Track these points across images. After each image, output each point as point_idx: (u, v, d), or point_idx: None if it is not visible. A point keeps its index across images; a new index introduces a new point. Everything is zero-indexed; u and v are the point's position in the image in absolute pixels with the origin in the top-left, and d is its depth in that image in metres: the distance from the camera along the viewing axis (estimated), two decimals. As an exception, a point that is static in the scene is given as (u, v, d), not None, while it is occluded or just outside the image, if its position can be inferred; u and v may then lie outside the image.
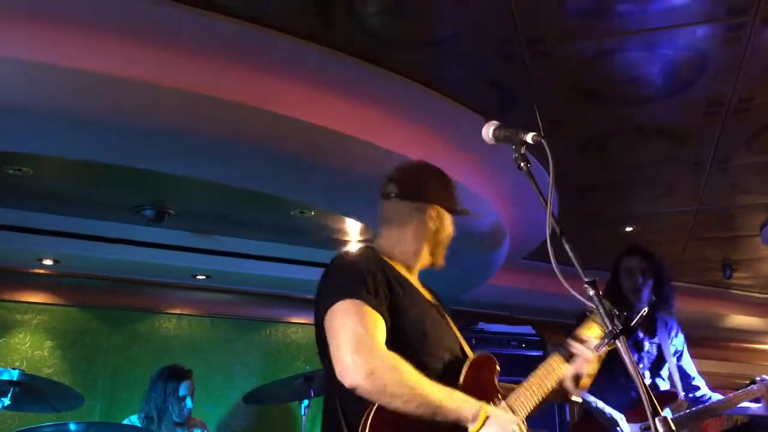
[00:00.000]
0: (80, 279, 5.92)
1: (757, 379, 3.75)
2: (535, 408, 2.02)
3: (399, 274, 2.08)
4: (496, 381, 2.03)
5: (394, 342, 1.85)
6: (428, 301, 2.15)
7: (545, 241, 1.60)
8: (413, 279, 2.17)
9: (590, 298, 1.56)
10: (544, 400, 2.10)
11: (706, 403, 3.76)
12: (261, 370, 6.30)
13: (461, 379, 1.95)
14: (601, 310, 1.54)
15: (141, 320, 6.20)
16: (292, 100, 3.52)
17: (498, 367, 2.03)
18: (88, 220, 5.31)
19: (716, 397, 3.85)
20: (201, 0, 3.09)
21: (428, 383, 1.78)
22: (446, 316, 2.19)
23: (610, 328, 1.52)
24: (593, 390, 3.65)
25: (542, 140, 1.71)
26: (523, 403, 1.99)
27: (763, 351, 10.27)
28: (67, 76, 3.01)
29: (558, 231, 1.65)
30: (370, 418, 1.71)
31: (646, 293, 3.64)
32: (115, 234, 5.41)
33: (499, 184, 4.79)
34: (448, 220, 2.22)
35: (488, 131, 1.86)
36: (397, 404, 1.72)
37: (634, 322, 1.69)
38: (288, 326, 6.89)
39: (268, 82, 3.45)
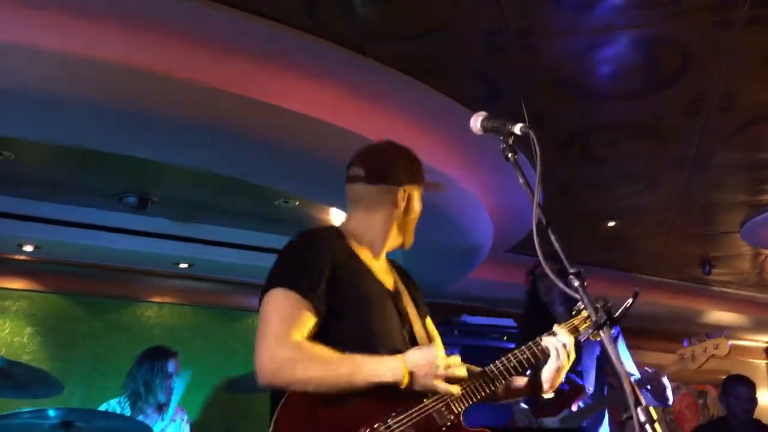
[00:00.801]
0: (61, 266, 5.88)
1: (643, 369, 3.83)
2: (481, 398, 1.98)
3: (357, 260, 2.03)
4: None
5: (329, 334, 1.84)
6: (385, 290, 2.07)
7: (529, 235, 1.61)
8: (376, 265, 2.10)
9: (575, 289, 1.57)
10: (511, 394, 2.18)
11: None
12: (243, 360, 6.28)
13: None
14: (586, 301, 1.55)
15: (122, 308, 6.17)
16: (277, 88, 3.50)
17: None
18: (69, 206, 5.28)
19: None
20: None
21: (344, 360, 1.77)
22: (404, 306, 2.11)
23: (594, 318, 1.53)
24: None
25: (530, 131, 1.72)
26: (469, 394, 1.96)
27: (741, 347, 10.41)
28: (46, 59, 2.99)
29: (544, 222, 1.66)
30: (284, 400, 1.73)
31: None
32: (97, 221, 5.37)
33: (485, 178, 4.81)
34: (416, 198, 2.16)
35: (476, 122, 1.87)
36: (311, 389, 1.73)
37: (618, 312, 1.71)
38: (270, 316, 6.87)
39: (254, 69, 3.44)
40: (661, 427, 1.37)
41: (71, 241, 5.38)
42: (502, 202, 5.19)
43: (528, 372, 2.15)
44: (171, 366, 4.34)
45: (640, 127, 4.43)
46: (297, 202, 5.11)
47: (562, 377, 2.12)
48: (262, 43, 3.42)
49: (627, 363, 3.92)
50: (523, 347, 2.09)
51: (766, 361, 10.74)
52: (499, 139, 1.81)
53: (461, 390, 1.90)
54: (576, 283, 1.56)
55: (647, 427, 1.35)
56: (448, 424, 1.85)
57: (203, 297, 6.63)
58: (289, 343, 1.76)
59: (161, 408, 4.32)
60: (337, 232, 2.09)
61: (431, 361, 1.82)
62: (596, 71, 3.78)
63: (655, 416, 1.37)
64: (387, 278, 2.13)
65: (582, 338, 1.85)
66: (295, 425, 1.73)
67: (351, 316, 1.90)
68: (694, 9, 3.25)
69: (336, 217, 5.46)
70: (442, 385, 1.83)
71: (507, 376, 2.03)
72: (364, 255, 2.08)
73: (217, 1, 3.17)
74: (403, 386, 1.78)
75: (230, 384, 4.53)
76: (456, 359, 1.89)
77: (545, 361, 2.11)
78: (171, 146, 3.78)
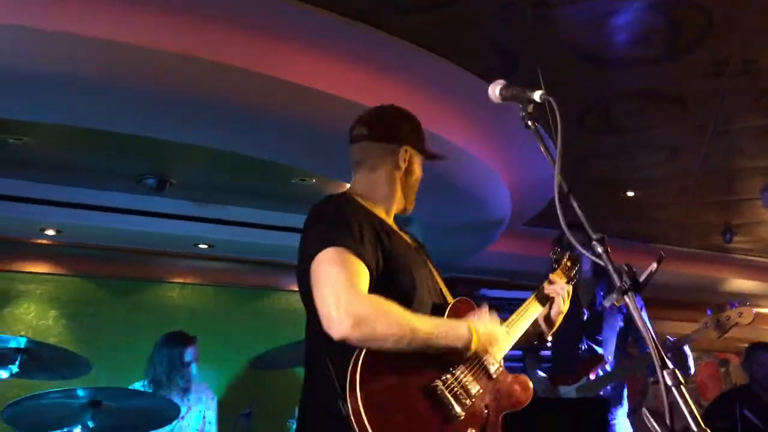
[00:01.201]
0: (83, 249, 5.94)
1: (665, 338, 3.83)
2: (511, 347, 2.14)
3: (380, 219, 2.04)
4: None
5: (383, 288, 1.83)
6: (411, 245, 2.12)
7: (547, 207, 1.61)
8: (392, 223, 2.14)
9: (599, 255, 1.56)
10: (519, 340, 2.24)
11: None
12: (264, 338, 6.32)
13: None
14: (610, 267, 1.54)
15: (144, 290, 6.23)
16: (293, 66, 3.50)
17: (475, 309, 2.03)
18: (89, 189, 5.33)
19: None
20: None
21: (415, 319, 1.79)
22: (428, 260, 2.18)
23: (618, 284, 1.52)
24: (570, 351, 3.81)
25: (549, 98, 1.71)
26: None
27: (763, 314, 10.35)
28: (64, 41, 2.99)
29: (566, 189, 1.65)
30: (360, 361, 1.69)
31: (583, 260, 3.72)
32: (117, 203, 5.42)
33: (502, 150, 4.79)
34: (418, 162, 2.17)
35: (495, 90, 1.86)
36: (388, 346, 1.72)
37: (643, 278, 1.70)
38: (291, 294, 6.91)
39: (270, 47, 3.43)
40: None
41: (92, 224, 5.43)
42: (519, 175, 5.17)
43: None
44: (189, 354, 4.36)
45: (660, 94, 4.38)
46: (314, 180, 5.12)
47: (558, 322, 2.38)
48: (280, 21, 3.41)
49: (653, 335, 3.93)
50: (531, 296, 2.35)
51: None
52: (518, 108, 1.79)
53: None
54: (599, 249, 1.56)
55: (674, 389, 1.35)
56: (495, 372, 1.98)
57: (224, 277, 6.68)
58: (365, 298, 1.75)
59: (186, 390, 4.37)
60: (350, 197, 2.07)
61: (494, 333, 1.98)
62: (614, 38, 3.73)
63: (681, 379, 1.37)
64: (405, 235, 2.16)
65: (608, 304, 1.86)
66: (376, 378, 1.70)
67: (398, 275, 1.93)
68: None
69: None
70: (500, 354, 2.00)
71: (527, 324, 2.26)
72: (383, 215, 2.09)
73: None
74: (470, 352, 1.88)
75: (254, 361, 4.56)
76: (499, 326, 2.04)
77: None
78: (189, 126, 3.78)
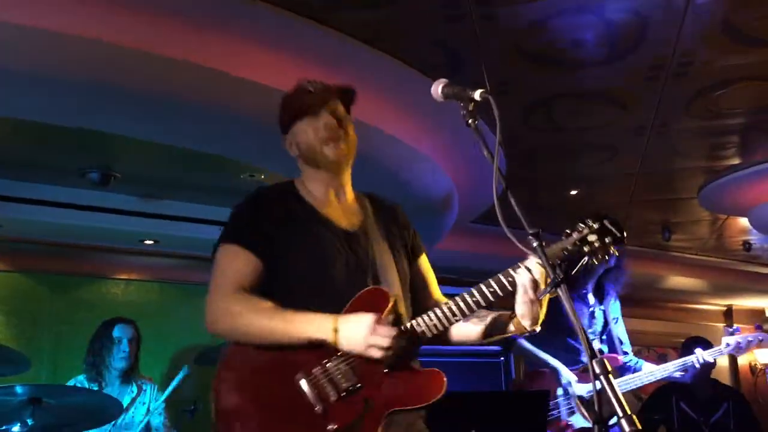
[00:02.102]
0: (23, 244, 5.81)
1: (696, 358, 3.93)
2: (439, 332, 1.92)
3: (305, 208, 2.06)
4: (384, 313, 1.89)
5: (277, 282, 1.94)
6: (339, 232, 2.03)
7: (494, 205, 1.64)
8: (334, 208, 2.10)
9: (534, 250, 1.61)
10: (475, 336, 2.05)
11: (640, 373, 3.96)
12: (210, 334, 6.28)
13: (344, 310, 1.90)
14: (544, 261, 1.59)
15: (87, 286, 6.13)
16: (239, 60, 3.49)
17: (390, 302, 1.90)
18: (31, 183, 5.19)
19: (641, 363, 4.05)
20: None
21: (272, 316, 1.84)
22: (366, 246, 2.05)
23: (552, 276, 1.57)
24: (547, 350, 3.85)
25: (489, 97, 1.75)
26: (422, 323, 1.91)
27: (699, 310, 10.70)
28: (5, 31, 2.92)
29: (504, 186, 1.70)
30: (228, 349, 1.89)
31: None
32: (59, 198, 5.29)
33: (449, 147, 4.85)
34: (300, 131, 2.13)
35: (437, 88, 1.89)
36: (248, 341, 1.86)
37: (575, 270, 1.77)
38: (237, 291, 6.88)
39: (215, 40, 3.41)
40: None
41: (33, 219, 5.30)
42: (465, 172, 5.24)
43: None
44: (117, 330, 4.34)
45: (600, 95, 4.50)
46: (262, 176, 5.09)
47: (542, 310, 1.95)
48: (227, 15, 3.40)
49: (624, 339, 4.05)
50: (489, 282, 1.95)
51: (724, 325, 11.03)
52: (460, 106, 1.83)
53: (392, 353, 1.83)
54: (535, 243, 1.61)
55: (602, 377, 1.41)
56: (389, 365, 1.85)
57: (170, 273, 6.60)
58: (228, 295, 1.89)
59: (126, 376, 4.33)
60: (287, 187, 2.14)
61: (360, 330, 1.80)
62: (555, 39, 3.82)
63: (609, 368, 1.43)
64: (348, 220, 2.10)
65: (542, 295, 1.88)
66: (235, 371, 1.86)
67: (295, 263, 1.96)
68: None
69: (302, 189, 5.45)
70: (369, 352, 1.81)
71: (461, 314, 1.92)
72: (318, 201, 2.10)
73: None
74: (332, 341, 1.81)
75: (198, 357, 4.54)
76: (387, 329, 1.82)
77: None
78: (134, 119, 3.73)
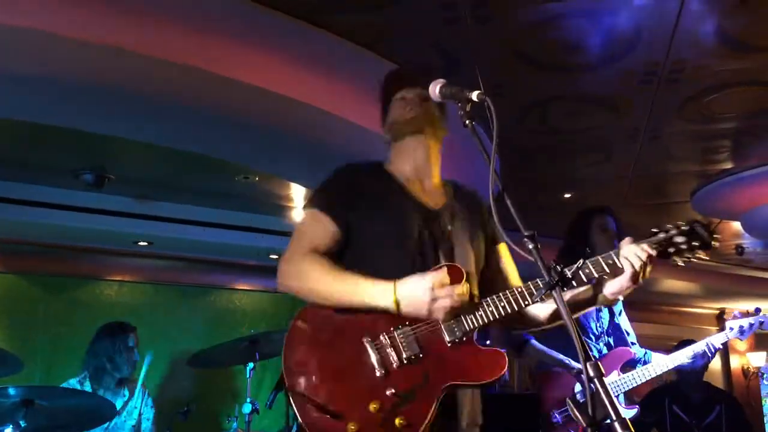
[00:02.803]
0: (17, 245, 5.78)
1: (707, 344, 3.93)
2: (492, 320, 1.92)
3: (392, 182, 2.13)
4: None
5: (351, 249, 2.03)
6: (420, 209, 2.08)
7: (490, 205, 1.65)
8: (419, 189, 2.14)
9: (529, 252, 1.62)
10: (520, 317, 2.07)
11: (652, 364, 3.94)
12: (205, 336, 6.28)
13: None
14: (539, 262, 1.60)
15: (81, 287, 6.11)
16: (234, 62, 3.48)
17: (464, 277, 1.91)
18: (25, 184, 5.18)
19: (650, 353, 4.04)
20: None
21: (338, 280, 1.91)
22: (445, 225, 2.08)
23: (547, 279, 1.58)
24: (560, 349, 3.83)
25: (486, 98, 1.76)
26: (478, 314, 1.91)
27: (692, 313, 10.73)
28: (2, 33, 2.92)
29: (501, 187, 1.71)
30: (303, 309, 1.95)
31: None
32: (53, 199, 5.28)
33: (445, 148, 4.84)
34: (390, 112, 2.20)
35: (435, 89, 1.92)
36: (318, 302, 1.93)
37: (571, 272, 1.78)
38: (232, 293, 6.87)
39: (210, 42, 3.41)
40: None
41: (28, 220, 5.28)
42: (461, 173, 5.24)
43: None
44: (131, 341, 4.35)
45: (594, 99, 4.52)
46: (257, 178, 5.10)
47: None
48: (224, 18, 3.40)
49: (629, 330, 4.04)
50: (585, 262, 1.94)
51: (716, 328, 11.08)
52: (457, 106, 1.85)
53: (458, 314, 1.88)
54: (530, 246, 1.62)
55: (596, 380, 1.42)
56: (456, 340, 1.88)
57: (164, 275, 6.59)
58: (301, 255, 1.98)
59: (122, 383, 4.32)
60: (376, 165, 2.21)
61: (419, 291, 1.85)
62: (552, 43, 3.84)
63: (602, 371, 1.43)
64: (432, 199, 2.14)
65: (536, 298, 1.89)
66: (307, 326, 1.94)
67: (372, 233, 2.03)
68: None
69: (296, 192, 5.46)
70: (434, 310, 1.85)
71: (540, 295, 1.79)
72: (406, 180, 2.15)
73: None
74: (395, 312, 1.85)
75: (191, 360, 4.53)
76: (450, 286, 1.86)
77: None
78: (129, 121, 3.74)
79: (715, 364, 10.70)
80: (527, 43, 3.84)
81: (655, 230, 2.05)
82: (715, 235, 1.98)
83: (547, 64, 4.08)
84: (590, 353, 1.47)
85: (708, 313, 10.96)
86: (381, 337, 1.88)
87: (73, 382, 4.27)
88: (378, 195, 2.09)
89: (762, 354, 11.04)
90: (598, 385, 1.42)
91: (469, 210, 2.19)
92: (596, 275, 1.94)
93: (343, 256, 2.03)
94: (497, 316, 1.92)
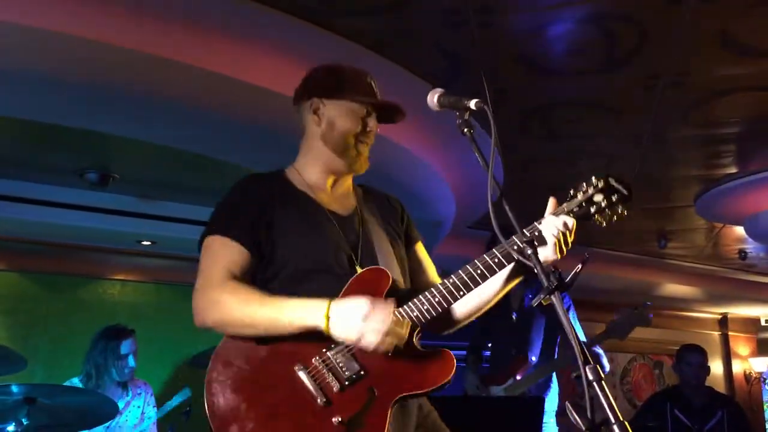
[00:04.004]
0: (20, 244, 5.81)
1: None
2: (442, 310, 1.83)
3: (296, 192, 1.98)
4: (382, 296, 1.80)
5: (268, 269, 1.87)
6: (328, 215, 1.96)
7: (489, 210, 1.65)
8: (325, 194, 2.02)
9: (528, 257, 1.63)
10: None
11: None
12: (206, 336, 6.23)
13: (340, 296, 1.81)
14: (538, 268, 1.60)
15: (84, 286, 6.13)
16: (239, 63, 3.50)
17: (389, 281, 1.83)
18: (30, 183, 5.19)
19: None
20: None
21: (261, 305, 1.74)
22: (359, 228, 1.99)
23: (546, 284, 1.58)
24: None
25: (485, 107, 1.76)
26: (415, 307, 1.81)
27: (695, 318, 10.72)
28: (5, 31, 2.93)
29: (498, 193, 1.72)
30: (220, 345, 1.79)
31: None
32: (57, 198, 5.30)
33: (447, 153, 4.86)
34: (342, 112, 2.00)
35: (433, 98, 1.90)
36: (240, 333, 1.77)
37: (569, 278, 1.78)
38: (234, 292, 6.88)
39: (216, 42, 3.43)
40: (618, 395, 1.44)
41: (31, 219, 5.31)
42: (463, 178, 5.26)
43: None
44: (125, 347, 4.28)
45: (597, 103, 4.53)
46: (260, 178, 5.10)
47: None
48: (227, 18, 3.41)
49: (578, 333, 4.09)
50: (495, 250, 1.89)
51: (719, 333, 11.07)
52: (455, 115, 1.85)
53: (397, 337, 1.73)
54: (529, 251, 1.63)
55: (595, 384, 1.42)
56: (391, 351, 1.73)
57: (167, 274, 6.61)
58: (216, 285, 1.79)
59: (124, 384, 4.31)
60: (276, 175, 2.07)
61: (354, 309, 1.71)
62: (554, 48, 3.85)
63: (602, 374, 1.44)
64: (342, 205, 2.03)
65: (535, 303, 1.89)
66: (228, 367, 1.75)
67: (285, 248, 1.87)
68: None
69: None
70: (364, 341, 1.69)
71: (466, 289, 1.85)
72: (311, 187, 2.01)
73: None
74: (324, 330, 1.71)
75: (194, 359, 4.54)
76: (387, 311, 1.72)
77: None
78: (132, 121, 3.75)
79: (717, 369, 10.69)
80: (530, 49, 3.85)
81: (571, 192, 1.97)
82: (629, 186, 1.88)
83: (550, 69, 4.08)
84: (588, 357, 1.47)
85: (710, 318, 10.95)
86: (313, 362, 1.74)
87: (75, 381, 4.28)
88: (285, 208, 1.93)
89: (764, 359, 11.03)
90: (597, 389, 1.43)
91: (382, 213, 2.10)
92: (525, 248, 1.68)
93: (259, 278, 1.87)
94: (433, 314, 1.81)
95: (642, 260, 8.36)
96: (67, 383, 4.28)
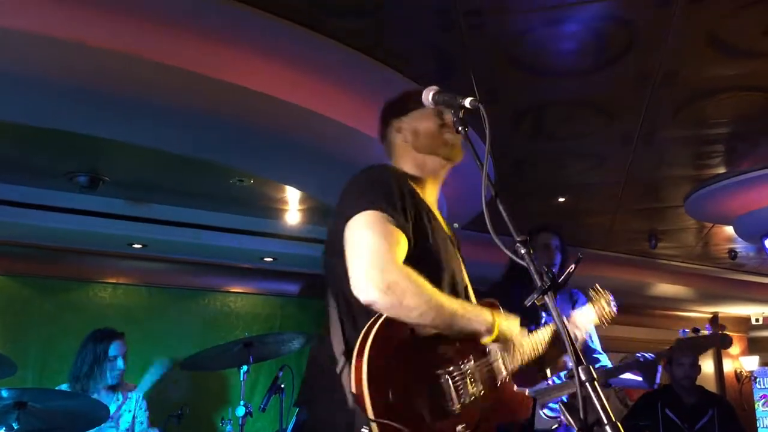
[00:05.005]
0: (10, 247, 5.77)
1: (637, 355, 3.95)
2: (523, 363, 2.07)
3: (422, 199, 2.03)
4: None
5: (412, 266, 1.79)
6: (447, 233, 2.09)
7: (482, 212, 1.65)
8: (433, 205, 2.12)
9: (522, 257, 1.63)
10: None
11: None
12: (198, 339, 6.28)
13: None
14: (531, 267, 1.61)
15: (74, 289, 6.10)
16: (228, 65, 3.49)
17: (500, 311, 2.01)
18: (18, 186, 5.17)
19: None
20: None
21: (443, 297, 1.79)
22: (459, 251, 2.15)
23: (539, 284, 1.59)
24: None
25: (479, 105, 1.77)
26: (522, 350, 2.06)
27: (686, 318, 10.76)
28: (-4, 36, 2.93)
29: (493, 193, 1.72)
30: (376, 328, 1.67)
31: (556, 270, 3.81)
32: (47, 201, 5.28)
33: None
34: (421, 118, 2.14)
35: (428, 96, 1.93)
36: (413, 316, 1.72)
37: (562, 278, 1.78)
38: (226, 295, 6.87)
39: (205, 45, 3.41)
40: (611, 397, 1.45)
41: (21, 222, 5.27)
42: (454, 180, 5.25)
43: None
44: (113, 349, 4.26)
45: (588, 104, 4.54)
46: (252, 181, 5.10)
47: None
48: (217, 21, 3.41)
49: (595, 347, 4.06)
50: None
51: (710, 332, 11.09)
52: (450, 113, 1.85)
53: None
54: (523, 251, 1.63)
55: (587, 384, 1.43)
56: (500, 379, 1.95)
57: (158, 277, 6.59)
58: (399, 266, 1.73)
59: (114, 388, 4.29)
60: (396, 169, 2.08)
61: (514, 330, 1.96)
62: (544, 48, 3.86)
63: (594, 375, 1.45)
64: (443, 220, 2.12)
65: (528, 302, 1.89)
66: (387, 347, 1.68)
67: (429, 258, 1.91)
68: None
69: (291, 195, 5.47)
70: (513, 362, 1.98)
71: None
72: (423, 194, 2.07)
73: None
74: (487, 342, 1.89)
75: (185, 362, 4.52)
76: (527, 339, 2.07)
77: None
78: (123, 124, 3.73)
79: (708, 367, 10.74)
80: (521, 49, 3.86)
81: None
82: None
83: (541, 70, 4.09)
84: (581, 358, 1.47)
85: (701, 317, 10.98)
86: (453, 370, 1.80)
87: (65, 387, 4.26)
88: (425, 213, 1.97)
89: (755, 358, 11.10)
90: (590, 389, 1.43)
91: (453, 232, 2.20)
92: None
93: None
94: (533, 355, 2.10)
95: (633, 260, 8.40)
96: (58, 388, 4.25)
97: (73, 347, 4.49)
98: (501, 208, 1.67)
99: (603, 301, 2.73)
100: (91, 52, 3.08)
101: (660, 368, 3.92)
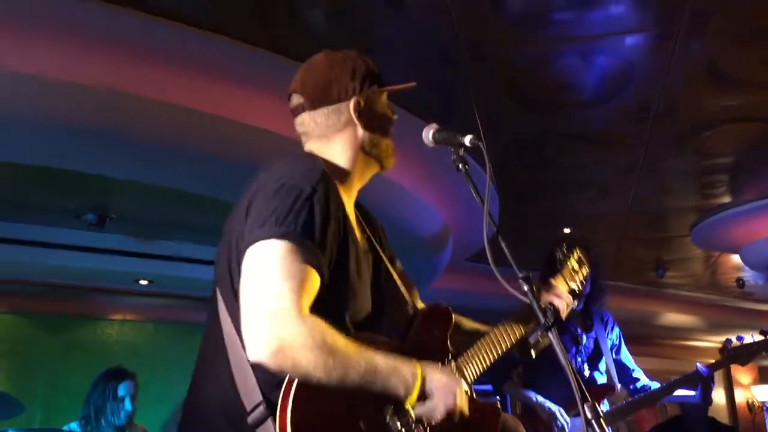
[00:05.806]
0: (19, 285, 5.79)
1: (697, 365, 3.90)
2: (487, 368, 1.87)
3: (346, 212, 1.67)
4: (447, 338, 1.80)
5: (323, 300, 1.45)
6: (361, 243, 1.75)
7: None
8: (351, 209, 1.79)
9: (525, 293, 1.63)
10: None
11: (645, 392, 3.92)
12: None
13: (408, 336, 1.75)
14: (535, 305, 1.60)
15: (81, 326, 6.11)
16: (234, 104, 3.53)
17: (452, 321, 1.85)
18: (27, 224, 5.20)
19: (655, 386, 4.00)
20: (138, 2, 3.08)
21: (353, 357, 1.41)
22: (379, 259, 1.84)
23: (542, 321, 1.58)
24: (534, 386, 3.77)
25: (479, 143, 1.77)
26: (475, 362, 1.83)
27: (695, 347, 10.68)
28: (3, 78, 2.97)
29: (495, 230, 1.73)
30: (293, 391, 1.35)
31: (587, 287, 3.73)
32: (55, 239, 5.31)
33: (444, 188, 4.89)
34: (378, 102, 1.92)
35: (428, 134, 1.91)
36: (313, 381, 1.36)
37: (565, 315, 1.78)
38: (232, 330, 6.85)
39: (211, 85, 3.46)
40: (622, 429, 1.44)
41: (29, 260, 5.30)
42: (459, 212, 5.27)
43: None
44: (123, 389, 4.23)
45: (590, 136, 4.57)
46: (257, 216, 5.11)
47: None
48: (219, 61, 3.46)
49: (631, 366, 4.02)
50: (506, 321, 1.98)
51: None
52: (450, 151, 1.86)
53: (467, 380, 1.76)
54: (525, 287, 1.63)
55: (593, 423, 1.42)
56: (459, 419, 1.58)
57: (164, 313, 6.59)
58: (297, 319, 1.35)
59: (122, 429, 4.26)
60: (322, 164, 1.67)
61: (448, 394, 1.54)
62: (546, 81, 3.89)
63: (600, 413, 1.44)
64: (358, 227, 1.78)
65: (533, 340, 1.89)
66: (308, 416, 1.38)
67: (341, 283, 1.58)
68: (639, 22, 3.40)
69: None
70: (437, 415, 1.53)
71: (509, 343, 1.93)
72: (344, 197, 1.71)
73: (175, 20, 3.19)
74: (409, 404, 1.50)
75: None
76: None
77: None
78: (129, 163, 3.77)
79: (720, 398, 10.61)
80: (523, 82, 3.90)
81: None
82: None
83: (543, 102, 4.13)
84: (587, 394, 1.46)
85: (710, 347, 10.89)
86: (386, 410, 1.50)
87: (74, 426, 4.23)
88: (344, 230, 1.61)
89: (767, 387, 10.96)
90: (596, 428, 1.42)
91: (377, 236, 1.92)
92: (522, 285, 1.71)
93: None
94: (489, 365, 1.86)
95: (641, 290, 8.35)
96: (65, 428, 4.23)
97: (81, 385, 4.47)
98: (503, 245, 1.68)
99: (573, 261, 2.29)
100: (99, 94, 3.13)
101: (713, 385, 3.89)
